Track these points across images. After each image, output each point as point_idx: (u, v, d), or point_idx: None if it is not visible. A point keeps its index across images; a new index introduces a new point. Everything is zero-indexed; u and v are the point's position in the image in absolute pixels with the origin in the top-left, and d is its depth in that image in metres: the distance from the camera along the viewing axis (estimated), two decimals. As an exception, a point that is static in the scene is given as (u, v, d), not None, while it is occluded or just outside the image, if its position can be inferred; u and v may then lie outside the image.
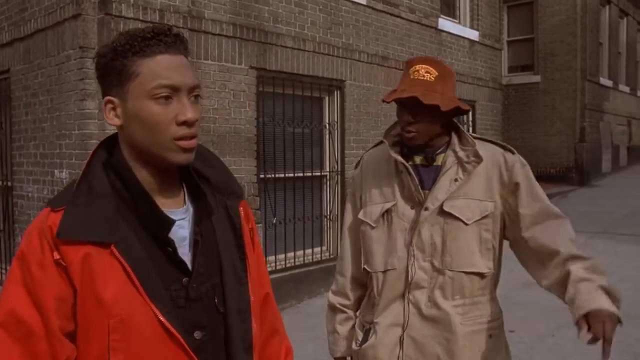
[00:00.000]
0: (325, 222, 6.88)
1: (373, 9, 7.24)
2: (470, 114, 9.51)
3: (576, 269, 1.80)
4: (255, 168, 5.82)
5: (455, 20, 9.16)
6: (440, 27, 8.55)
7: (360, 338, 2.05)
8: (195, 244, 1.27)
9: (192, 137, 1.21)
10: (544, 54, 14.68)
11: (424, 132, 1.92)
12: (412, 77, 1.91)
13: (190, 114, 1.18)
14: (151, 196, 1.22)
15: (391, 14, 7.55)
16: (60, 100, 4.81)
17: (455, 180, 1.93)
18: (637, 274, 6.73)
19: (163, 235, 1.22)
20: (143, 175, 1.23)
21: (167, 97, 1.18)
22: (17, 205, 5.56)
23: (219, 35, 5.38)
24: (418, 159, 1.98)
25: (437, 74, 1.89)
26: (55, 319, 1.15)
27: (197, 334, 1.24)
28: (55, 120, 4.89)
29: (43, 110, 5.07)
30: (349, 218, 2.18)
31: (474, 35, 9.44)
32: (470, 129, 9.26)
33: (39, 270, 1.15)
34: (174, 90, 1.18)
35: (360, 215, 2.07)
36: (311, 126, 6.68)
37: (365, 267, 2.05)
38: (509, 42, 15.05)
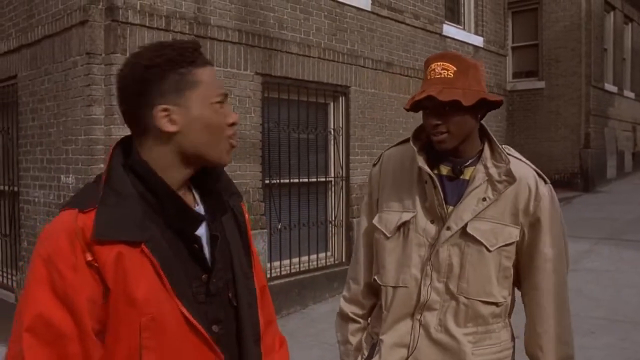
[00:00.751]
0: (330, 228, 6.89)
1: (378, 15, 7.26)
2: (475, 119, 9.50)
3: None
4: (260, 174, 5.84)
5: (460, 27, 9.18)
6: (444, 33, 8.57)
7: (366, 353, 1.94)
8: (214, 240, 1.32)
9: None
10: (548, 59, 14.68)
11: (455, 132, 1.75)
12: (429, 77, 1.77)
13: (235, 116, 1.32)
14: (179, 196, 1.27)
15: (396, 20, 7.57)
16: (67, 106, 4.84)
17: (484, 199, 1.77)
18: (643, 281, 6.71)
19: (191, 233, 1.27)
20: (168, 179, 1.27)
21: (221, 103, 1.29)
22: (23, 210, 5.59)
23: (224, 41, 5.40)
24: (445, 170, 1.83)
25: (455, 69, 1.73)
26: (88, 320, 1.16)
27: (215, 328, 1.29)
28: (62, 126, 4.92)
29: (49, 116, 5.10)
30: (364, 221, 2.03)
31: (478, 41, 9.46)
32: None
33: (71, 273, 1.16)
34: (225, 96, 1.30)
35: (375, 221, 1.93)
36: (316, 132, 6.70)
37: (376, 277, 1.93)
38: (513, 48, 15.05)
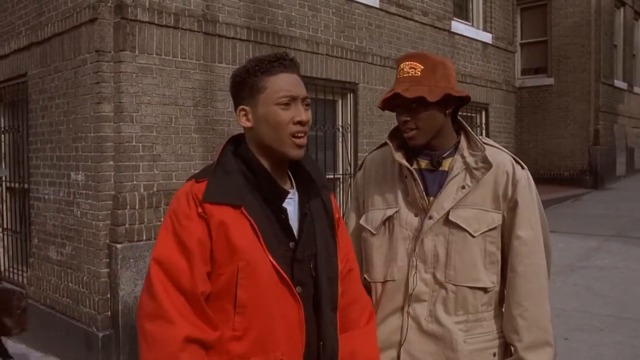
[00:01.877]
0: (338, 225, 6.89)
1: (386, 12, 7.25)
2: (484, 116, 9.49)
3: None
4: (269, 171, 5.84)
5: (469, 23, 9.15)
6: (453, 29, 8.54)
7: None
8: (303, 217, 1.64)
9: (304, 134, 1.61)
10: (557, 56, 14.61)
11: (424, 127, 1.83)
12: (398, 76, 1.87)
13: (304, 116, 1.60)
14: (270, 174, 1.60)
15: (404, 17, 7.56)
16: (77, 104, 4.86)
17: (463, 187, 1.84)
18: (652, 278, 6.68)
19: (279, 204, 1.58)
20: (264, 163, 1.61)
21: (287, 104, 1.58)
22: (33, 207, 5.62)
23: (232, 38, 5.41)
24: (423, 163, 1.90)
25: (422, 67, 1.82)
26: (198, 256, 1.51)
27: (298, 289, 1.58)
28: (72, 124, 4.94)
29: (59, 114, 5.13)
30: (352, 223, 2.08)
31: (487, 37, 9.43)
32: (484, 132, 9.24)
33: (186, 220, 1.53)
34: (292, 98, 1.59)
35: (362, 221, 1.99)
36: (324, 129, 6.70)
37: (365, 276, 1.96)
38: (522, 45, 14.99)
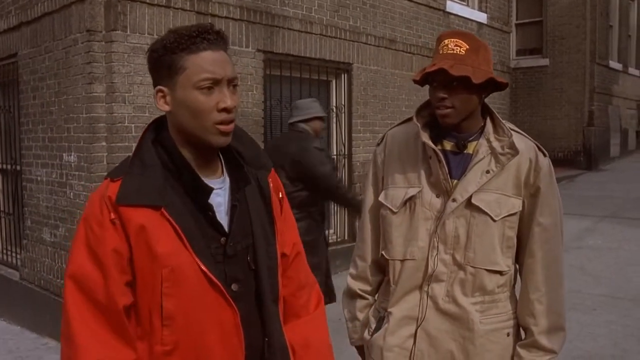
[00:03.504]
0: (333, 206, 6.88)
1: (381, -9, 7.18)
2: (478, 97, 9.45)
3: (532, 342, 1.86)
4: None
5: (464, 3, 9.08)
6: (448, 9, 8.48)
7: (373, 327, 1.98)
8: (232, 209, 1.47)
9: (230, 122, 1.41)
10: (552, 36, 14.56)
11: (459, 108, 1.79)
12: (441, 52, 1.80)
13: (229, 102, 1.38)
14: (193, 168, 1.43)
15: (399, -3, 7.48)
16: (68, 84, 4.81)
17: (487, 172, 1.82)
18: (645, 258, 6.72)
19: (203, 201, 1.42)
20: (186, 152, 1.43)
21: (209, 88, 1.37)
22: (26, 189, 5.59)
23: (225, 18, 5.35)
24: (448, 145, 1.88)
25: (467, 47, 1.78)
26: (113, 268, 1.36)
27: (234, 287, 1.45)
28: (63, 104, 4.90)
29: (51, 94, 5.08)
30: (370, 199, 2.05)
31: (482, 17, 9.36)
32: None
33: (98, 228, 1.37)
34: (216, 82, 1.37)
35: (381, 198, 1.96)
36: (318, 110, 6.66)
37: (383, 253, 1.96)
38: (517, 25, 14.92)
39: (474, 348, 1.84)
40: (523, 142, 1.86)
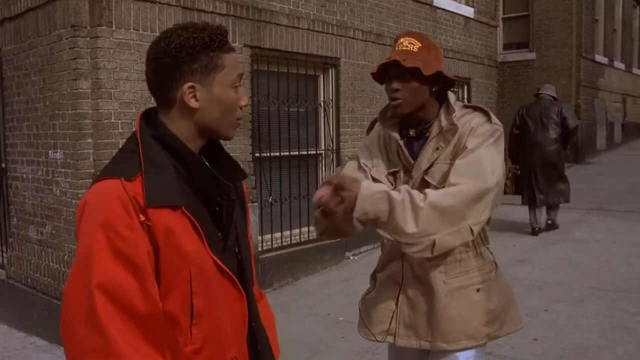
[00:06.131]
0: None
1: (367, -15, 7.17)
2: (465, 91, 9.49)
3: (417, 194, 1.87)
4: (250, 147, 5.80)
5: (451, -3, 9.09)
6: (435, 4, 8.48)
7: (369, 287, 2.24)
8: (229, 202, 1.52)
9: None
10: (539, 31, 14.60)
11: (410, 99, 2.01)
12: (397, 49, 2.02)
13: (246, 99, 1.51)
14: (208, 166, 1.48)
15: (386, -9, 7.48)
16: (53, 80, 4.76)
17: (437, 149, 2.03)
18: (631, 250, 6.77)
19: (217, 198, 1.47)
20: (192, 148, 1.45)
21: (237, 86, 1.46)
22: (11, 186, 5.54)
23: (212, 13, 5.32)
24: (412, 132, 2.11)
25: (420, 45, 2.00)
26: (150, 270, 1.33)
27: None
28: (48, 101, 4.85)
29: (35, 91, 5.03)
30: (352, 164, 2.21)
31: (469, 12, 9.38)
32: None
33: (129, 232, 1.31)
34: (241, 78, 1.48)
35: (373, 173, 2.13)
36: (306, 104, 6.65)
37: None
38: (504, 19, 14.95)
39: (440, 307, 2.03)
40: (469, 115, 2.04)
